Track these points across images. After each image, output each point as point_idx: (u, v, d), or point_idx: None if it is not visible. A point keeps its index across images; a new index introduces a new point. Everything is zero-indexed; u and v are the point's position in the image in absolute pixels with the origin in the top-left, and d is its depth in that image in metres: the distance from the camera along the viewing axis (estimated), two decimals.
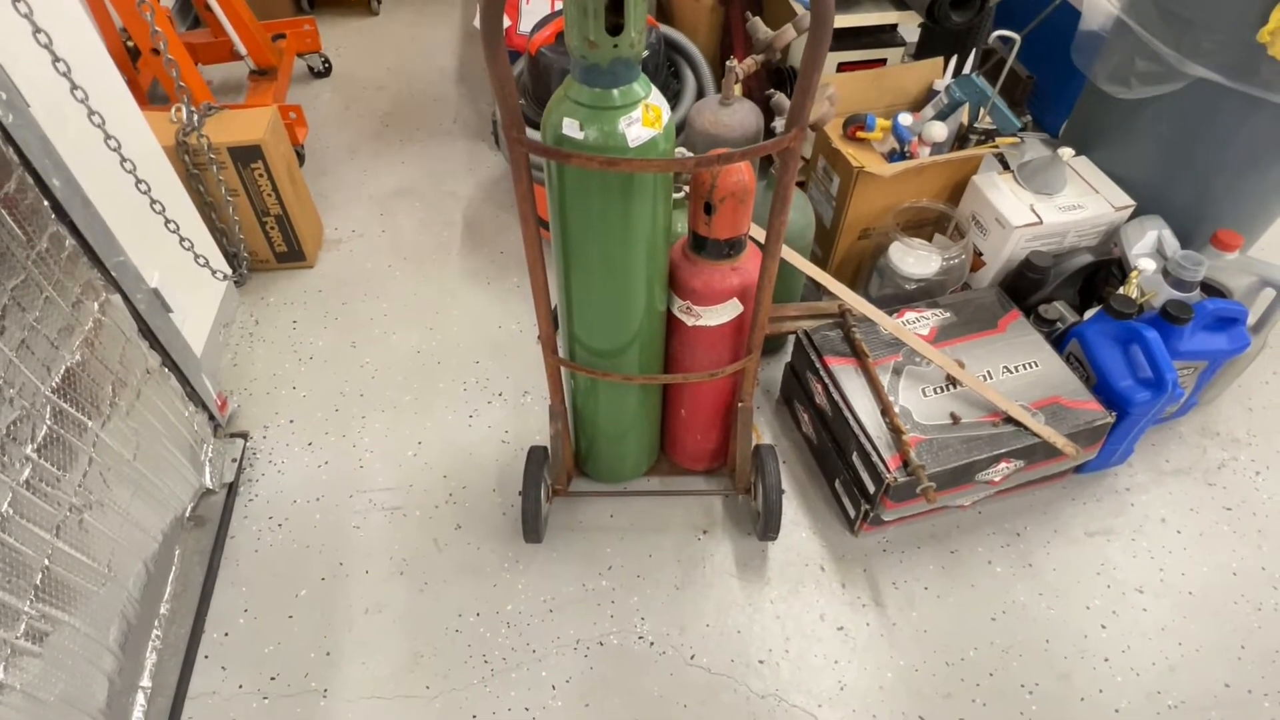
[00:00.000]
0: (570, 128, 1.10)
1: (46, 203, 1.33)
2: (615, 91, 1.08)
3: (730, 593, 1.66)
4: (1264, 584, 1.69)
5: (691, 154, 1.70)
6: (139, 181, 1.58)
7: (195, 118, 1.94)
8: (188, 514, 1.72)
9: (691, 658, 1.56)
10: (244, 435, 1.91)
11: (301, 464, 1.87)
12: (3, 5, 1.26)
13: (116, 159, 1.55)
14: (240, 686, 1.52)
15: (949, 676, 1.54)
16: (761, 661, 1.56)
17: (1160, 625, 1.62)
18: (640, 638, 1.59)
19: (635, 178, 1.16)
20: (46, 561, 1.22)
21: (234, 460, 1.84)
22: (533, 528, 1.64)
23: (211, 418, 1.87)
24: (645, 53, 1.09)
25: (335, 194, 2.60)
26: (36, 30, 1.28)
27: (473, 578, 1.67)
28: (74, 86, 1.38)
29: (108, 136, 1.48)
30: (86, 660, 1.29)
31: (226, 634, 1.59)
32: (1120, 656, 1.58)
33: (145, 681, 1.48)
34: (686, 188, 1.63)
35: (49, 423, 1.27)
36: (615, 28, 1.01)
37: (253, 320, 2.20)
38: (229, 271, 2.02)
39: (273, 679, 1.53)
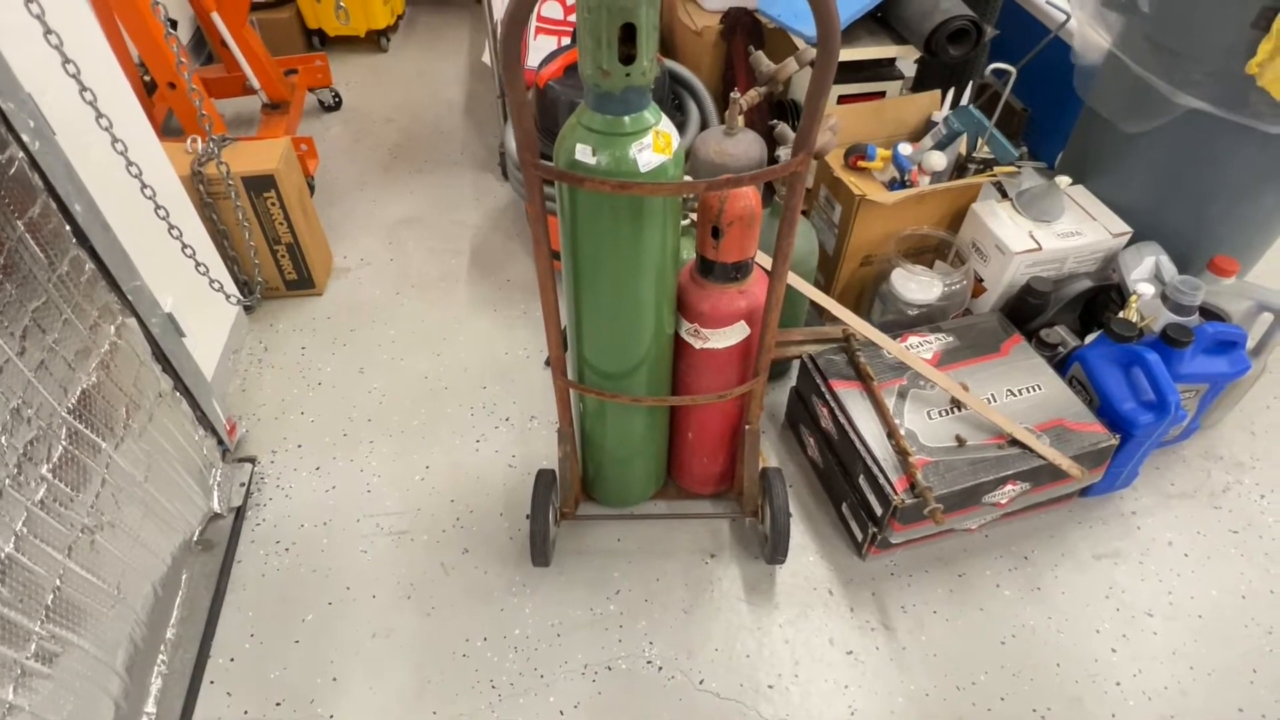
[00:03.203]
0: (583, 153, 1.13)
1: (68, 227, 1.36)
2: (627, 118, 1.12)
3: (739, 616, 1.65)
4: (1273, 607, 1.68)
5: None
6: (158, 208, 1.61)
7: (214, 148, 1.99)
8: (195, 538, 1.72)
9: (700, 682, 1.55)
10: (252, 460, 1.92)
11: (309, 488, 1.88)
12: (33, 37, 1.30)
13: (135, 186, 1.58)
14: (245, 712, 1.51)
15: (960, 701, 1.53)
16: (771, 686, 1.55)
17: (1171, 649, 1.61)
18: (649, 662, 1.58)
19: (645, 203, 1.19)
20: (58, 582, 1.22)
21: (242, 485, 1.85)
22: (541, 551, 1.64)
23: (220, 442, 1.88)
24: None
25: (345, 223, 2.64)
26: (66, 61, 1.32)
27: (480, 602, 1.67)
28: (99, 115, 1.42)
29: (129, 164, 1.51)
30: (94, 683, 1.29)
31: (232, 659, 1.58)
32: (1131, 680, 1.57)
33: (150, 707, 1.46)
34: (693, 214, 1.67)
35: (64, 443, 1.28)
36: (627, 57, 1.05)
37: (262, 346, 2.22)
38: (241, 297, 2.05)
39: (278, 704, 1.52)
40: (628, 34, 1.02)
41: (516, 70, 1.01)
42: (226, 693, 1.53)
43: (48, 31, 1.30)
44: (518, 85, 1.02)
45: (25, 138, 1.24)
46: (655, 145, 1.14)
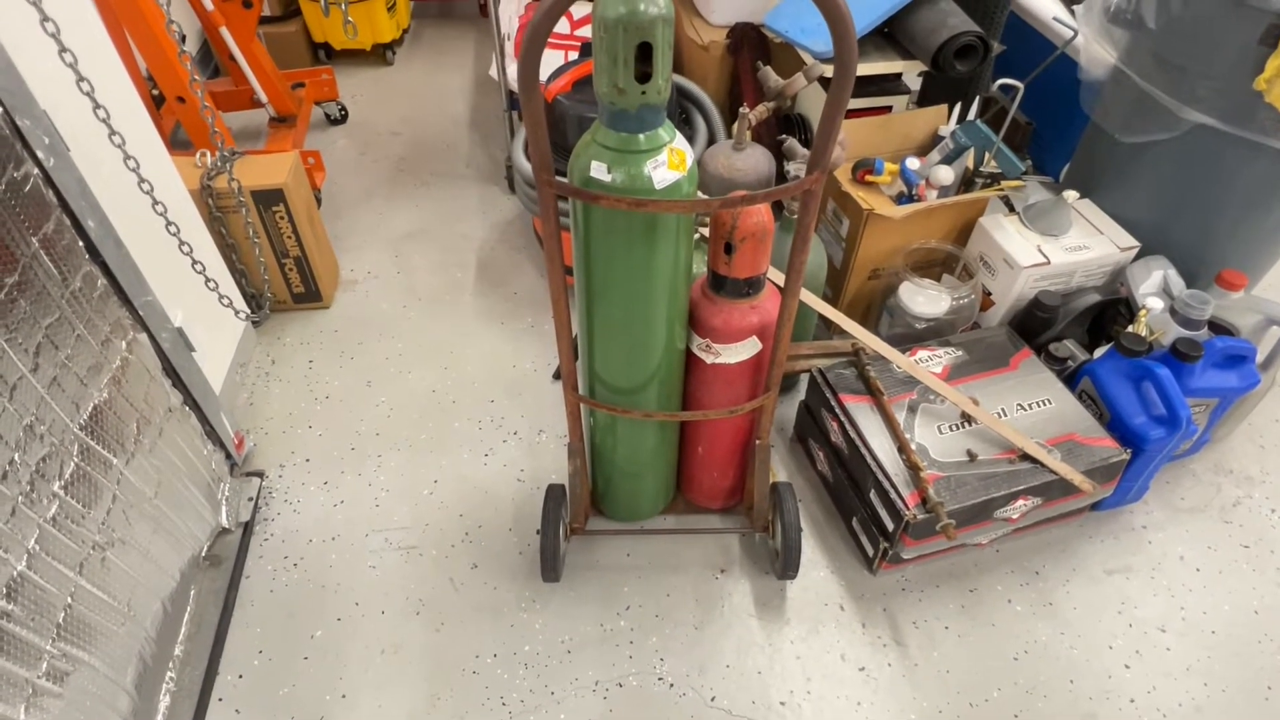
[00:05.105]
0: (598, 170, 1.14)
1: (81, 243, 1.36)
2: (641, 136, 1.12)
3: (750, 633, 1.64)
4: None
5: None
6: (169, 223, 1.61)
7: (225, 162, 1.99)
8: (204, 553, 1.71)
9: (712, 699, 1.54)
10: (260, 474, 1.91)
11: (317, 503, 1.87)
12: (48, 55, 1.31)
13: (147, 201, 1.59)
14: None
15: (974, 718, 1.52)
16: (783, 703, 1.54)
17: (1185, 665, 1.60)
18: (660, 679, 1.57)
19: (659, 219, 1.19)
20: (69, 599, 1.22)
21: (250, 499, 1.84)
22: (551, 566, 1.64)
23: (229, 456, 1.87)
24: None
25: (351, 236, 2.65)
26: (80, 79, 1.33)
27: (490, 618, 1.66)
28: (112, 132, 1.42)
29: (142, 180, 1.52)
30: (103, 702, 1.28)
31: (240, 676, 1.57)
32: (1146, 697, 1.56)
33: None
34: (704, 229, 1.67)
35: (76, 460, 1.28)
36: (643, 75, 1.05)
37: (269, 360, 2.22)
38: (250, 311, 2.05)
39: None
40: (644, 52, 1.03)
41: (534, 91, 1.01)
42: (235, 710, 1.52)
43: (62, 49, 1.31)
44: (536, 106, 1.02)
45: (40, 154, 1.25)
46: (670, 162, 1.14)
